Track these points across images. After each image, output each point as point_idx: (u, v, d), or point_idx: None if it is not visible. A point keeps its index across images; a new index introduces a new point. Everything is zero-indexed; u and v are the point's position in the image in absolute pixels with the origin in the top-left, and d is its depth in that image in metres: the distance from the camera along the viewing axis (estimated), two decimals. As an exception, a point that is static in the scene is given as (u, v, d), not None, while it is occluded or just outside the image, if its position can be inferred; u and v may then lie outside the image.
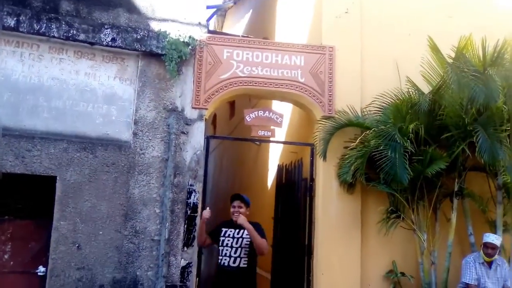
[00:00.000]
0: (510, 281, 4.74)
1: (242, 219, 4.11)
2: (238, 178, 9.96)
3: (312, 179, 5.46)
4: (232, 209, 4.31)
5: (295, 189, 5.79)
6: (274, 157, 7.42)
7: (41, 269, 4.68)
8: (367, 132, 4.94)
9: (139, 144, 4.97)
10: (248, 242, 4.20)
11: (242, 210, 4.26)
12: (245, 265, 4.20)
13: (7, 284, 4.62)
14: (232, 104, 10.97)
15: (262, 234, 4.15)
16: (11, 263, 4.64)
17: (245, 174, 9.36)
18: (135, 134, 4.98)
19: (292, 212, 5.87)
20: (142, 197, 4.90)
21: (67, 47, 4.89)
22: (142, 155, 4.96)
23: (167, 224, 4.82)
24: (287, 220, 6.09)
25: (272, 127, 5.40)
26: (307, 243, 5.40)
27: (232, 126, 10.42)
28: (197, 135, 5.12)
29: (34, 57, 4.80)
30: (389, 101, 5.19)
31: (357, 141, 4.95)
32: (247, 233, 4.16)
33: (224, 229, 4.40)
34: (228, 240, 4.31)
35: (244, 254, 4.20)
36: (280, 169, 6.53)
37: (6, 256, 4.63)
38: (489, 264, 4.72)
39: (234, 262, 4.21)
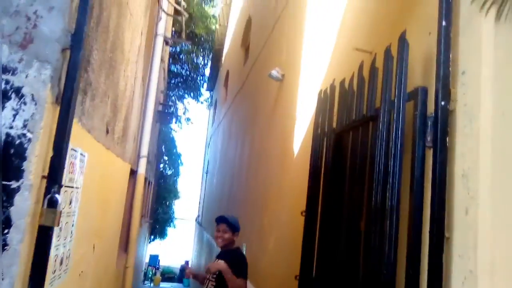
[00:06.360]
0: None
1: (214, 268, 3.31)
2: (247, 142, 6.42)
3: (447, 94, 1.70)
4: (216, 233, 3.58)
5: (376, 131, 2.07)
6: (312, 84, 3.62)
7: None
8: None
9: None
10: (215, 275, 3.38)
11: (226, 235, 3.49)
12: None
13: None
14: (247, 48, 8.75)
15: (238, 270, 3.23)
16: None
17: (258, 134, 5.73)
18: None
19: (357, 195, 2.16)
20: None
21: None
22: None
23: None
24: (347, 217, 2.35)
25: None
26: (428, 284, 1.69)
27: (246, 72, 7.78)
28: None
29: None
30: None
31: None
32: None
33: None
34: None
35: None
36: (322, 100, 2.79)
37: None
38: None
39: None
